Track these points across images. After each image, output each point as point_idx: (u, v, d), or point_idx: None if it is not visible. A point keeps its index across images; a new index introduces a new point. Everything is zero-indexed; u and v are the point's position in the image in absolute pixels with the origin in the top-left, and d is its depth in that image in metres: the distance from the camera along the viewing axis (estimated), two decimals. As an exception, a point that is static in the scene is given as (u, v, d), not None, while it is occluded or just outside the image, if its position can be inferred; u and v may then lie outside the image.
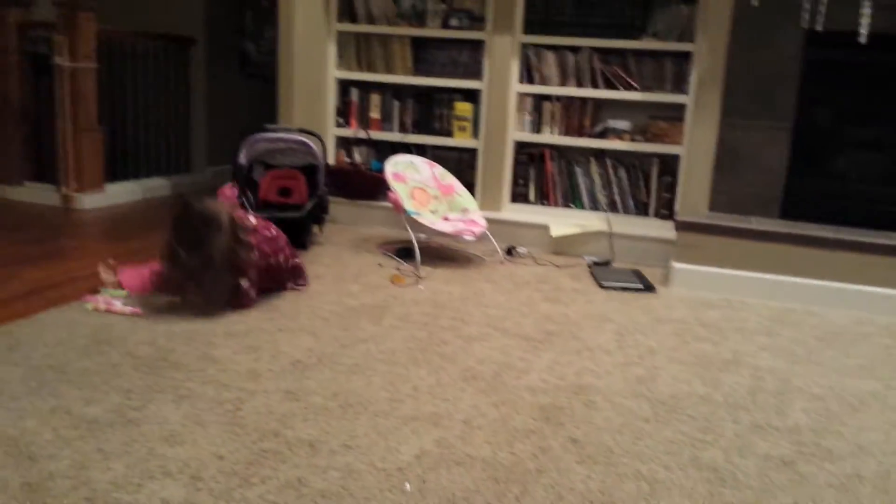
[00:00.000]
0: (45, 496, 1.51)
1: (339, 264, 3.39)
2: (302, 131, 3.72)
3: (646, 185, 4.02)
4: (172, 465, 1.66)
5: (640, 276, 3.49)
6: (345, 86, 4.39)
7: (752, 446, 1.93)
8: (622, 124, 4.01)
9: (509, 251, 3.79)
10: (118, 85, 4.83)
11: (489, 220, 3.75)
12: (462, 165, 4.21)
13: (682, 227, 3.41)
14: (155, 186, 4.95)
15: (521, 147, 4.16)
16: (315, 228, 3.74)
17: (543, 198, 4.17)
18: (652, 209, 4.02)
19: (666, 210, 3.95)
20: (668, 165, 3.96)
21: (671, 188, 3.94)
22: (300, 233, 3.57)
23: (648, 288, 3.32)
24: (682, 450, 1.88)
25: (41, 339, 2.31)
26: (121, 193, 4.64)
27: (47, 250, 3.39)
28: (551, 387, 2.23)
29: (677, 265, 3.40)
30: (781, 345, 2.73)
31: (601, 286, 3.33)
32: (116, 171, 4.81)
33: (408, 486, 1.65)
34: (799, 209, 3.49)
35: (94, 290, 2.77)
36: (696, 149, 3.61)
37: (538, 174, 4.15)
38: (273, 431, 1.84)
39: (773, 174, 3.51)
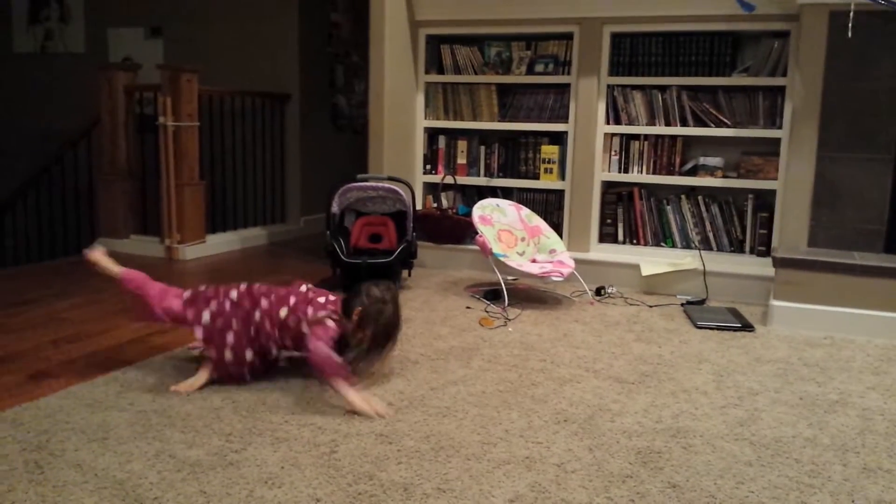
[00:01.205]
0: (152, 535, 1.56)
1: (428, 307, 3.43)
2: (391, 179, 3.81)
3: (740, 222, 3.92)
4: (271, 507, 1.69)
5: (736, 314, 3.38)
6: (432, 134, 4.48)
7: (863, 490, 1.83)
8: (714, 161, 3.93)
9: (598, 291, 3.74)
10: (218, 141, 5.07)
11: (577, 261, 3.72)
12: (549, 207, 4.21)
13: (782, 263, 3.29)
14: (252, 236, 5.14)
15: (609, 187, 4.13)
16: (404, 273, 3.79)
17: (633, 237, 4.11)
18: (748, 246, 3.91)
19: (762, 246, 3.83)
20: (764, 201, 3.85)
21: (767, 224, 3.83)
22: (389, 277, 3.62)
23: (746, 327, 3.21)
24: (789, 495, 1.80)
25: (146, 385, 2.42)
26: (220, 244, 4.83)
27: (153, 299, 3.55)
28: (647, 430, 2.17)
29: (777, 303, 3.28)
30: (891, 384, 2.59)
31: (696, 326, 3.24)
32: (216, 222, 5.02)
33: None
34: (906, 242, 3.33)
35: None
36: (792, 183, 3.50)
37: (627, 214, 4.11)
38: (367, 474, 1.86)
39: (876, 207, 3.37)
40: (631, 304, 3.61)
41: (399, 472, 1.87)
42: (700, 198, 3.97)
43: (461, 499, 1.75)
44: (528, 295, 3.69)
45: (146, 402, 2.27)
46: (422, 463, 1.92)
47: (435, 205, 4.40)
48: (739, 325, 3.22)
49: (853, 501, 1.77)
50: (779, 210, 3.73)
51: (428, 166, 4.48)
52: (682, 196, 4.01)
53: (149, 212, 4.82)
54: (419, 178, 4.44)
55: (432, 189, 4.47)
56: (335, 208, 3.72)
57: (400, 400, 2.33)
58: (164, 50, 5.77)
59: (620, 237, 4.13)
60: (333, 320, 2.41)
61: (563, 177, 4.17)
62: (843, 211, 3.41)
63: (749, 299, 3.63)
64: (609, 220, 4.14)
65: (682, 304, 3.59)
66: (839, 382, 2.59)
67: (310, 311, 2.44)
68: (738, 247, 3.93)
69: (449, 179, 4.35)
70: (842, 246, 3.39)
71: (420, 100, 4.42)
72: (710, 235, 3.98)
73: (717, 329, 3.20)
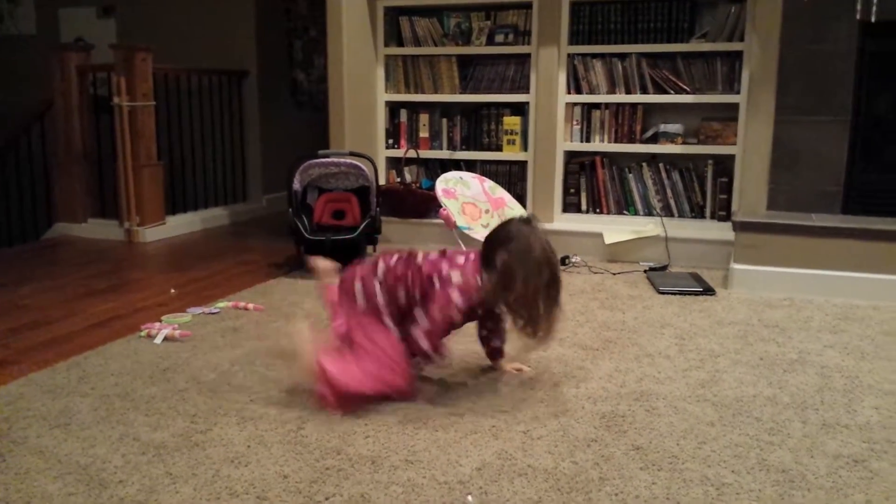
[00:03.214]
0: (118, 519, 1.55)
1: (395, 283, 3.42)
2: (353, 154, 3.78)
3: (701, 188, 3.96)
4: (238, 486, 1.69)
5: (698, 279, 3.43)
6: (394, 107, 4.45)
7: (822, 446, 1.87)
8: (674, 128, 3.96)
9: (563, 260, 3.76)
10: (175, 120, 4.98)
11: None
12: (513, 178, 4.21)
13: (741, 227, 3.34)
14: (213, 216, 5.08)
15: (571, 157, 4.15)
16: (368, 248, 3.78)
17: (596, 206, 4.14)
18: (708, 211, 3.95)
19: (723, 211, 3.88)
20: (724, 166, 3.89)
21: (727, 189, 3.87)
22: (354, 253, 3.60)
23: (708, 291, 3.26)
24: (749, 452, 1.83)
25: (109, 369, 2.39)
26: (181, 225, 4.77)
27: (113, 283, 3.50)
28: (612, 395, 2.20)
29: (737, 266, 3.33)
30: (848, 342, 2.65)
31: (658, 291, 3.28)
32: (176, 203, 4.95)
33: (470, 498, 1.64)
34: (861, 203, 3.39)
35: (157, 319, 2.85)
36: (751, 148, 3.54)
37: (590, 183, 4.13)
38: (335, 449, 1.86)
39: (833, 169, 3.42)
40: (595, 273, 3.63)
41: (367, 445, 1.88)
42: (661, 165, 4.00)
43: (429, 468, 1.76)
44: (494, 266, 3.70)
45: (108, 387, 2.24)
46: (389, 436, 1.93)
47: (398, 179, 4.38)
48: (701, 290, 3.27)
49: (812, 457, 1.82)
50: (738, 175, 3.77)
51: (390, 140, 4.45)
52: (644, 164, 4.03)
53: (106, 195, 4.73)
54: (381, 153, 4.42)
55: (395, 164, 4.45)
56: (297, 185, 3.69)
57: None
58: (116, 29, 5.64)
59: (584, 207, 4.15)
60: (466, 284, 2.05)
61: (525, 148, 4.17)
62: (801, 174, 3.45)
63: (710, 264, 3.68)
64: (572, 190, 4.15)
65: (645, 271, 3.63)
66: (798, 342, 2.64)
67: (444, 267, 2.12)
68: (698, 212, 3.98)
69: (412, 153, 4.33)
70: (800, 208, 3.44)
71: (380, 73, 4.38)
72: (672, 202, 4.01)
73: (680, 294, 3.24)
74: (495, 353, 2.37)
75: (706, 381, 2.30)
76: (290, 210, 3.62)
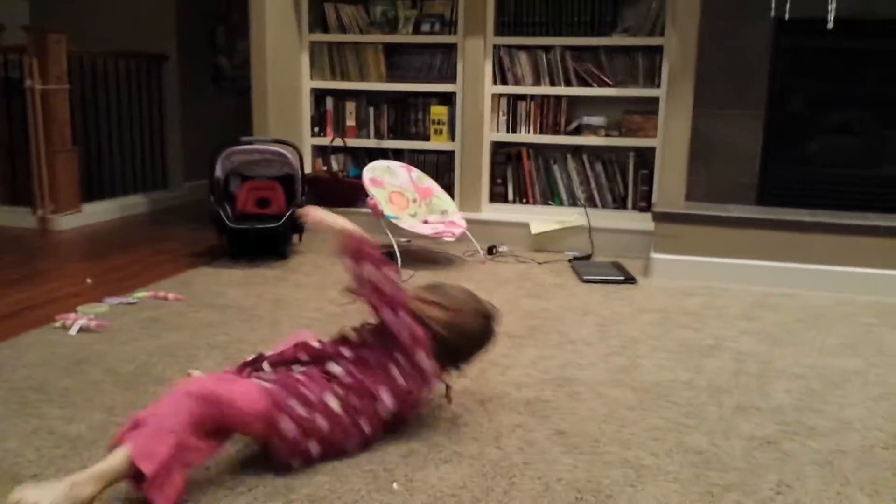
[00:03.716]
0: (30, 515, 1.49)
1: (320, 272, 3.39)
2: (277, 142, 3.72)
3: (623, 179, 4.05)
4: (158, 478, 1.64)
5: (620, 268, 3.51)
6: (319, 95, 4.39)
7: (736, 428, 1.94)
8: (597, 120, 4.03)
9: (490, 250, 3.79)
10: (91, 105, 4.80)
11: (469, 221, 3.76)
12: (440, 168, 4.22)
13: (660, 217, 3.43)
14: (132, 204, 4.92)
15: (497, 147, 4.18)
16: (294, 238, 3.73)
17: (522, 196, 4.18)
18: (630, 202, 4.04)
19: (644, 202, 3.98)
20: (645, 158, 3.99)
21: (648, 181, 3.96)
22: (279, 243, 3.56)
23: (629, 279, 3.34)
24: (667, 435, 1.89)
25: (21, 361, 2.29)
26: (98, 213, 4.61)
27: (26, 273, 3.36)
28: (535, 381, 2.23)
29: (657, 256, 3.42)
30: (763, 328, 2.75)
31: (582, 280, 3.34)
32: (93, 190, 4.78)
33: (395, 485, 1.64)
34: (775, 195, 3.52)
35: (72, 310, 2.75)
36: (670, 140, 3.63)
37: (516, 173, 4.17)
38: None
39: (748, 162, 3.54)
40: (521, 262, 3.68)
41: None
42: (585, 156, 4.07)
43: (355, 458, 1.75)
44: (422, 256, 3.70)
45: (21, 379, 2.15)
46: (314, 425, 1.91)
47: (325, 168, 4.33)
48: (623, 278, 3.34)
49: (727, 439, 1.88)
50: (658, 167, 3.87)
51: (316, 128, 4.39)
52: (568, 155, 4.10)
53: (18, 181, 4.53)
54: (307, 141, 4.36)
55: (321, 152, 4.40)
56: (219, 172, 3.61)
57: (291, 364, 2.30)
58: (30, 10, 5.39)
59: (510, 197, 4.19)
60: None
61: (452, 137, 4.19)
62: (718, 166, 3.56)
63: (632, 253, 3.76)
64: (499, 180, 4.19)
65: (570, 260, 3.69)
66: (715, 328, 2.73)
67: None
68: (621, 203, 4.07)
69: (338, 142, 4.28)
70: (717, 199, 3.56)
71: (305, 60, 4.32)
72: (595, 193, 4.09)
73: (602, 283, 3.31)
74: None
75: (626, 366, 2.36)
76: (212, 198, 3.54)
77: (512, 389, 2.17)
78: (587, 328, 2.72)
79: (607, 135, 4.01)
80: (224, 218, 3.45)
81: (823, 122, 3.59)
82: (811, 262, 3.26)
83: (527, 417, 1.99)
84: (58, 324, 2.60)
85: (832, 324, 2.82)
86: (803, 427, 1.95)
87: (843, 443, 1.87)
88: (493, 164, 4.17)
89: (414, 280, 3.27)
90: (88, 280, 3.20)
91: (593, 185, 4.09)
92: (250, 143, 3.70)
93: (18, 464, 1.69)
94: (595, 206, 4.07)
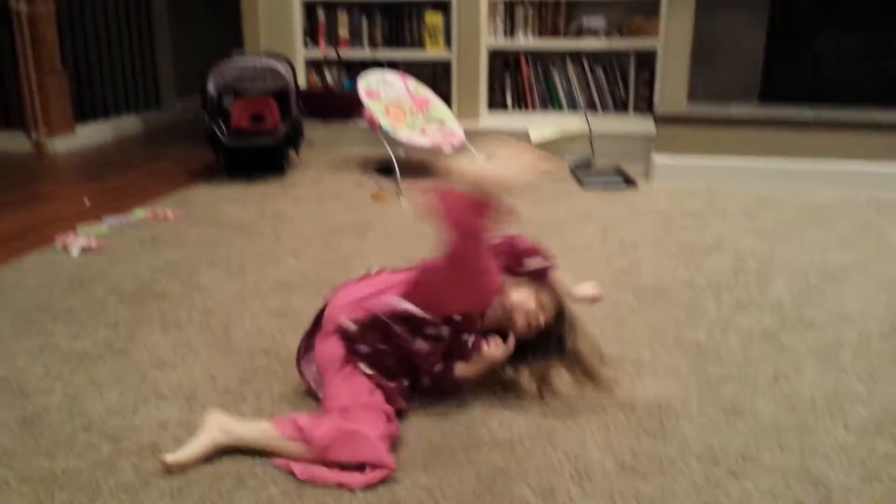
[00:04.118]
0: (43, 428, 1.52)
1: (319, 186, 3.37)
2: (269, 55, 3.64)
3: (624, 83, 3.97)
4: (165, 389, 1.67)
5: (621, 172, 3.48)
6: (311, 6, 4.27)
7: (735, 323, 1.96)
8: (597, 22, 3.92)
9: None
10: (79, 25, 4.68)
11: (467, 131, 3.70)
12: (436, 77, 4.13)
13: (661, 119, 3.38)
14: (126, 125, 4.86)
15: (495, 54, 4.08)
16: (292, 153, 3.69)
17: (521, 103, 4.11)
18: (631, 105, 3.98)
19: (645, 105, 3.91)
20: (646, 61, 3.90)
21: (649, 83, 3.89)
22: (276, 158, 3.53)
23: (630, 183, 3.31)
24: (667, 332, 1.91)
25: (24, 282, 2.30)
26: (92, 134, 4.56)
27: (24, 196, 3.35)
28: (537, 286, 2.24)
29: (658, 158, 3.38)
30: (763, 227, 2.74)
31: (583, 185, 3.32)
32: (86, 112, 4.71)
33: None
34: (777, 93, 3.45)
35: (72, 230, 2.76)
36: (672, 41, 3.54)
37: (514, 80, 4.09)
38: (264, 350, 1.85)
39: (751, 60, 3.46)
40: (521, 170, 3.64)
41: (295, 345, 1.86)
42: (585, 60, 3.98)
43: (358, 364, 1.78)
44: (422, 167, 3.67)
45: (25, 300, 2.17)
46: (317, 334, 1.93)
47: (319, 81, 4.25)
48: (623, 183, 3.32)
49: (725, 334, 1.90)
50: (660, 68, 3.78)
51: (309, 41, 4.29)
52: (568, 59, 4.01)
53: (11, 106, 4.46)
54: (300, 54, 4.26)
55: (315, 65, 4.31)
56: (211, 89, 3.54)
57: (294, 277, 2.32)
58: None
59: (509, 104, 4.13)
60: None
61: (449, 45, 4.09)
62: (720, 66, 3.48)
63: (633, 157, 3.71)
64: (497, 87, 4.11)
65: (571, 167, 3.66)
66: (715, 228, 2.73)
67: None
68: (622, 107, 4.00)
69: (331, 54, 4.19)
70: (720, 99, 3.49)
71: (294, -31, 4.18)
72: (596, 97, 4.02)
73: (603, 187, 3.29)
74: None
75: (627, 268, 2.36)
76: (206, 116, 3.49)
77: (513, 294, 2.18)
78: (588, 233, 2.72)
79: (608, 37, 3.91)
80: (219, 135, 3.41)
81: (826, 18, 3.48)
82: (813, 160, 3.22)
83: (527, 320, 2.00)
84: (58, 245, 2.60)
85: (832, 220, 2.81)
86: (802, 320, 1.97)
87: (840, 335, 1.88)
88: (492, 71, 4.08)
89: (414, 189, 3.26)
90: (87, 201, 3.19)
91: (594, 89, 4.01)
92: (242, 56, 3.62)
93: (27, 380, 1.71)
94: (596, 110, 4.01)
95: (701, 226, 2.76)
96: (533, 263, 1.72)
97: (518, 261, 1.71)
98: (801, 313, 2.01)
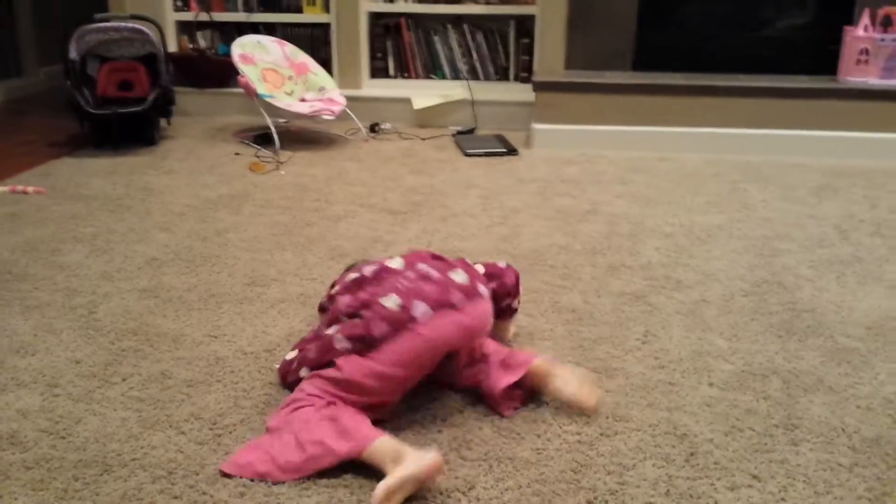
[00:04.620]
0: None
1: (193, 157, 3.24)
2: (135, 17, 3.44)
3: (504, 49, 3.99)
4: (26, 376, 1.58)
5: (503, 140, 3.51)
6: (180, -34, 4.06)
7: (608, 286, 2.02)
8: (477, -13, 3.91)
9: (373, 128, 3.71)
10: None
11: (349, 98, 3.64)
12: (315, 42, 4.03)
13: (540, 87, 3.42)
14: (-17, 94, 4.53)
15: (376, 18, 4.01)
16: (163, 122, 3.53)
17: (404, 71, 4.07)
18: (512, 73, 4.00)
19: (525, 73, 3.94)
20: (526, 27, 3.92)
21: (529, 50, 3.92)
22: (146, 127, 3.37)
23: (511, 151, 3.35)
24: (543, 297, 1.94)
25: None
26: (-57, 105, 4.22)
27: None
28: (418, 255, 2.24)
29: (538, 126, 3.43)
30: (636, 191, 2.83)
31: (465, 154, 3.33)
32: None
33: (277, 365, 1.63)
34: (650, 60, 3.56)
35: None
36: (548, 7, 3.58)
37: (396, 46, 4.04)
38: (132, 330, 1.77)
39: (625, 27, 3.54)
40: (405, 139, 3.62)
41: (166, 324, 1.81)
42: (466, 26, 3.97)
43: (235, 341, 1.73)
44: (301, 136, 3.59)
45: None
46: (190, 313, 1.86)
47: (191, 45, 4.06)
48: (505, 150, 3.35)
49: (599, 296, 1.95)
50: (538, 35, 3.81)
51: (179, 2, 4.09)
52: (449, 25, 3.98)
53: None
54: (170, 16, 4.05)
55: (186, 28, 4.11)
56: (73, 54, 3.33)
57: (165, 253, 2.22)
58: None
59: (391, 71, 4.07)
60: None
61: (327, 8, 3.98)
62: (596, 32, 3.55)
63: (514, 125, 3.75)
64: (379, 54, 4.05)
65: (453, 135, 3.66)
66: (591, 194, 2.80)
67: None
68: (503, 74, 4.02)
69: (204, 16, 4.01)
70: (596, 66, 3.56)
71: (161, -73, 3.96)
72: (478, 65, 4.02)
73: (485, 155, 3.31)
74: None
75: (507, 235, 2.39)
76: (69, 82, 3.28)
77: (394, 264, 2.17)
78: (470, 201, 2.73)
79: (488, 2, 3.91)
80: (83, 104, 3.21)
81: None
82: (684, 125, 3.34)
83: (408, 290, 2.00)
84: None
85: (701, 183, 2.93)
86: (670, 281, 2.05)
87: (706, 293, 1.97)
88: (373, 36, 4.02)
89: (294, 159, 3.18)
90: (-65, 177, 2.95)
91: (475, 56, 4.01)
92: (106, 20, 3.41)
93: None
94: (478, 78, 4.02)
95: (578, 192, 2.82)
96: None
97: (501, 299, 1.66)
98: (670, 273, 2.09)
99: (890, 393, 1.55)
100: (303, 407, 1.39)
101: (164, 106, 3.41)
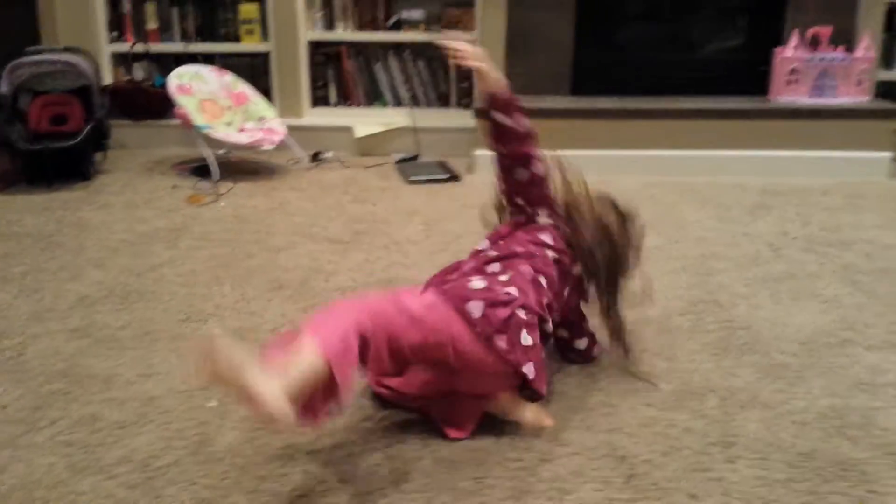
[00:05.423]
0: None
1: (129, 191, 3.17)
2: (68, 50, 3.39)
3: (445, 76, 4.02)
4: (-54, 425, 1.52)
5: (445, 167, 3.52)
6: (114, -4, 4.02)
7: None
8: (416, 14, 3.93)
9: (315, 157, 3.69)
10: None
11: (291, 127, 3.61)
12: (256, 72, 4.00)
13: (480, 113, 3.43)
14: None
15: (316, 47, 4.01)
16: (98, 156, 3.46)
17: (346, 99, 4.07)
18: (453, 99, 4.03)
19: (466, 99, 3.98)
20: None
21: (469, 76, 3.95)
22: (80, 162, 3.29)
23: (453, 177, 3.36)
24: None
25: None
26: None
27: None
28: (360, 284, 2.23)
29: (479, 152, 3.44)
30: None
31: (408, 181, 3.33)
32: None
33: (212, 403, 1.60)
34: (588, 83, 3.61)
35: None
36: (488, 33, 3.62)
37: (337, 75, 4.04)
38: (61, 372, 1.72)
39: (562, 51, 3.60)
40: (347, 168, 3.60)
41: (98, 364, 1.76)
42: (407, 54, 3.99)
43: (168, 380, 1.69)
44: (242, 167, 3.54)
45: None
46: (123, 352, 1.81)
47: (128, 77, 4.00)
48: (447, 177, 3.36)
49: (540, 321, 1.96)
50: (479, 61, 3.85)
51: (114, 33, 4.03)
52: (390, 53, 4.00)
53: None
54: (105, 48, 3.99)
55: (122, 60, 4.05)
56: (5, 88, 3.25)
57: (98, 291, 2.16)
58: None
59: (333, 100, 4.07)
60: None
61: (266, 38, 3.97)
62: (535, 57, 3.59)
63: (457, 151, 3.76)
64: (320, 83, 4.04)
65: (396, 163, 3.66)
66: (533, 218, 2.81)
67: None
68: (445, 101, 4.05)
69: (139, 47, 3.95)
70: (535, 90, 3.60)
71: (94, -42, 3.91)
72: (419, 92, 4.04)
73: (428, 182, 3.32)
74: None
75: (449, 261, 2.38)
76: (0, 118, 3.20)
77: (335, 294, 2.15)
78: (413, 228, 2.72)
79: (427, 30, 3.94)
80: (14, 139, 3.13)
81: (631, 8, 3.69)
82: (622, 149, 3.40)
83: (349, 321, 1.98)
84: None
85: (638, 205, 2.95)
86: (610, 303, 2.06)
87: (644, 314, 1.99)
88: (313, 65, 4.01)
89: (234, 190, 3.14)
90: None
91: (417, 83, 4.03)
92: (38, 52, 3.35)
93: None
94: (420, 105, 4.03)
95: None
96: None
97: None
98: (610, 296, 2.11)
99: (823, 407, 1.58)
100: None
101: (99, 139, 3.35)
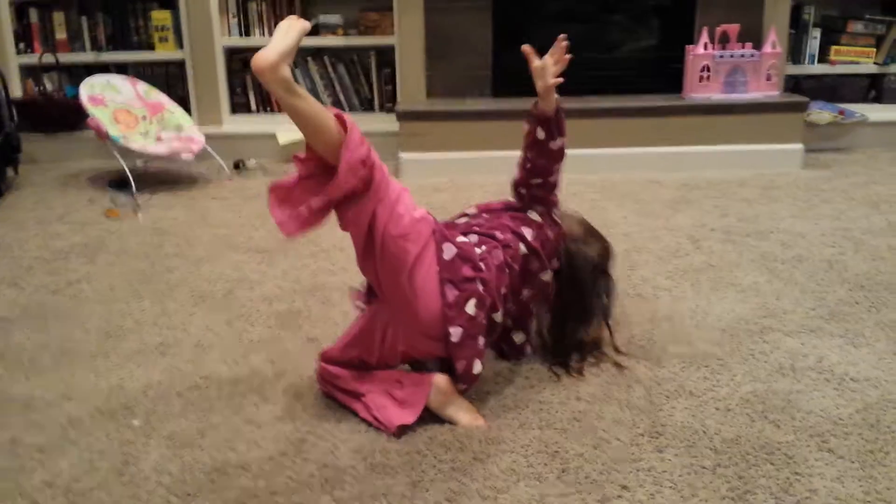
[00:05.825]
0: None
1: (43, 206, 3.05)
2: (-30, 62, 3.24)
3: (367, 80, 4.00)
4: None
5: (370, 170, 3.50)
6: (21, 6, 3.85)
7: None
8: (334, 18, 3.90)
9: (237, 165, 3.62)
10: None
11: (210, 136, 3.54)
12: (171, 80, 3.90)
13: (403, 116, 3.44)
14: None
15: (233, 53, 3.94)
16: (9, 171, 3.32)
17: (266, 105, 4.01)
18: (376, 103, 4.02)
19: (389, 102, 3.97)
20: (386, 57, 3.95)
21: (391, 80, 3.94)
22: (-10, 178, 3.16)
23: (379, 181, 3.34)
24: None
25: None
26: None
27: None
28: (287, 292, 2.20)
29: (405, 155, 3.45)
30: (503, 214, 2.88)
31: (333, 186, 3.30)
32: None
33: (136, 422, 1.55)
34: (508, 85, 3.64)
35: None
36: (407, 37, 3.61)
37: (256, 81, 3.96)
38: (-27, 399, 1.64)
39: (482, 54, 3.62)
40: (271, 175, 3.55)
41: (16, 388, 1.69)
42: (326, 59, 3.96)
43: (89, 400, 1.63)
44: (160, 178, 3.45)
45: None
46: (42, 374, 1.75)
47: (38, 88, 3.85)
48: (373, 180, 3.34)
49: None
50: (399, 64, 3.84)
51: (21, 45, 3.88)
52: (309, 58, 3.96)
53: None
54: (12, 60, 3.83)
55: (31, 72, 3.90)
56: None
57: (11, 311, 2.08)
58: None
59: (253, 106, 4.01)
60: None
61: (180, 45, 3.88)
62: (455, 60, 3.61)
63: (382, 155, 3.69)
64: (239, 90, 3.97)
65: (320, 167, 3.61)
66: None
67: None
68: (368, 105, 4.03)
69: (49, 58, 3.81)
70: (457, 94, 3.63)
71: (-5, -34, 3.75)
72: (341, 96, 4.02)
73: (353, 186, 3.29)
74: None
75: (377, 266, 2.37)
76: None
77: (262, 305, 2.12)
78: (339, 234, 2.67)
79: (346, 34, 3.91)
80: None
81: (548, 8, 3.74)
82: (545, 147, 3.44)
83: (278, 330, 1.96)
84: None
85: (562, 202, 3.01)
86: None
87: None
88: (230, 72, 3.94)
89: (153, 202, 3.06)
90: None
91: (338, 87, 4.00)
92: (-64, 65, 3.20)
93: None
94: (342, 109, 3.99)
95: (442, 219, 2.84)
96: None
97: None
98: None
99: (747, 392, 1.63)
100: None
101: (10, 154, 3.22)
